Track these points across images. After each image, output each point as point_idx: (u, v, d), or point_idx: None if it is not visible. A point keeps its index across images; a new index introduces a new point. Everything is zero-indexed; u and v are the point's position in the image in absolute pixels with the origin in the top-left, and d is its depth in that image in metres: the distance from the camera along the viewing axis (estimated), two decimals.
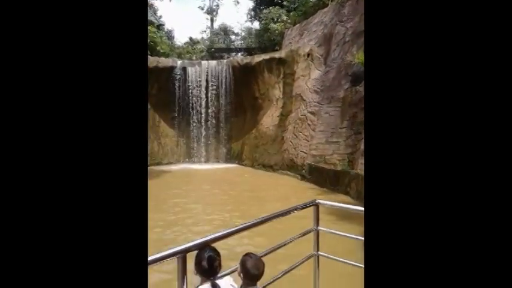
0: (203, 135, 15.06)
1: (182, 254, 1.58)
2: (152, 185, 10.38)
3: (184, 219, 6.66)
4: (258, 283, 1.85)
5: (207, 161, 14.94)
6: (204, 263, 1.59)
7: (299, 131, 11.62)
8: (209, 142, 15.17)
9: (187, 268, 1.62)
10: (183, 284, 1.59)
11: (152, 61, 14.40)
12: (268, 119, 13.48)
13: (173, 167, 13.90)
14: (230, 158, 15.00)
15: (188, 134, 15.15)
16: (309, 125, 11.19)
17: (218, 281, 1.62)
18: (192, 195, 8.99)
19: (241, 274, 1.80)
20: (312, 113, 11.23)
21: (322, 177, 9.56)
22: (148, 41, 16.33)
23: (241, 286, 1.80)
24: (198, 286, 1.60)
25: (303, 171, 10.78)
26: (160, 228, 6.00)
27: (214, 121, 15.03)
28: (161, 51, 16.97)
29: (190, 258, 1.65)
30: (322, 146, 10.16)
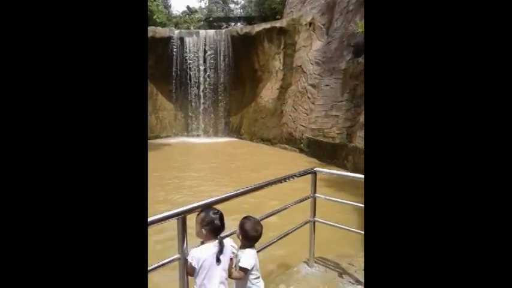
0: (201, 108, 14.89)
1: (182, 216, 1.61)
2: (152, 157, 10.46)
3: (188, 187, 6.78)
4: (256, 245, 1.92)
5: (205, 135, 14.92)
6: (217, 222, 1.64)
7: (299, 104, 11.49)
8: (207, 116, 15.03)
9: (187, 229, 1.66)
10: (184, 244, 1.63)
11: (149, 31, 13.84)
12: (268, 92, 13.27)
13: (171, 141, 13.90)
14: (229, 131, 14.97)
15: (186, 107, 14.96)
16: (308, 98, 11.04)
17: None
18: (194, 167, 9.09)
19: (240, 236, 1.85)
20: (312, 85, 11.03)
21: (320, 150, 9.61)
22: None
23: (240, 247, 1.86)
24: (202, 242, 1.63)
25: (302, 144, 10.82)
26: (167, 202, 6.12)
27: (212, 94, 14.78)
28: (158, 20, 16.27)
29: (190, 220, 1.69)
30: (321, 119, 10.10)
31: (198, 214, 1.66)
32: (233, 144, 13.15)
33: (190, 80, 14.55)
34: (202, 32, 14.54)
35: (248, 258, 1.79)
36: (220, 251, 1.60)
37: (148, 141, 13.62)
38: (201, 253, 1.57)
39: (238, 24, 19.56)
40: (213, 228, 1.63)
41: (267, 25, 13.07)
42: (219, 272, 1.59)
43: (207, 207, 1.70)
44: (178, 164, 9.44)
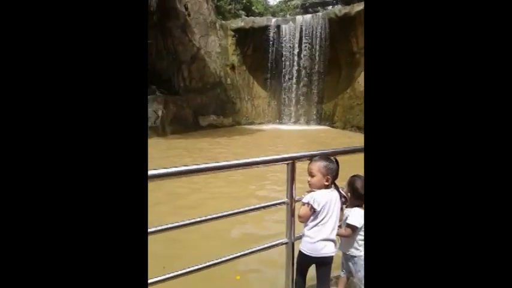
0: (294, 96, 14.91)
1: (292, 161, 1.63)
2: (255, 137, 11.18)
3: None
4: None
5: (296, 122, 14.94)
6: (337, 170, 1.64)
7: None
8: (299, 103, 14.97)
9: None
10: (292, 189, 1.66)
11: (248, 21, 14.69)
12: None
13: (264, 127, 14.51)
14: (320, 119, 14.56)
15: (279, 95, 15.28)
16: None
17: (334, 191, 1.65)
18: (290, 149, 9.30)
19: (349, 194, 1.76)
20: None
21: None
22: (244, 1, 16.59)
23: (347, 206, 1.77)
24: (312, 190, 1.62)
25: None
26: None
27: (305, 81, 14.59)
28: (256, 11, 17.05)
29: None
30: None
31: (312, 162, 1.64)
32: (325, 133, 12.75)
33: (285, 67, 14.73)
34: (298, 17, 14.43)
35: (357, 216, 1.68)
36: (339, 196, 1.63)
37: (244, 126, 14.65)
38: (322, 197, 1.57)
39: (336, 7, 18.54)
40: (335, 176, 1.62)
41: None
42: (334, 218, 1.60)
43: (313, 155, 1.66)
44: (274, 146, 9.80)
